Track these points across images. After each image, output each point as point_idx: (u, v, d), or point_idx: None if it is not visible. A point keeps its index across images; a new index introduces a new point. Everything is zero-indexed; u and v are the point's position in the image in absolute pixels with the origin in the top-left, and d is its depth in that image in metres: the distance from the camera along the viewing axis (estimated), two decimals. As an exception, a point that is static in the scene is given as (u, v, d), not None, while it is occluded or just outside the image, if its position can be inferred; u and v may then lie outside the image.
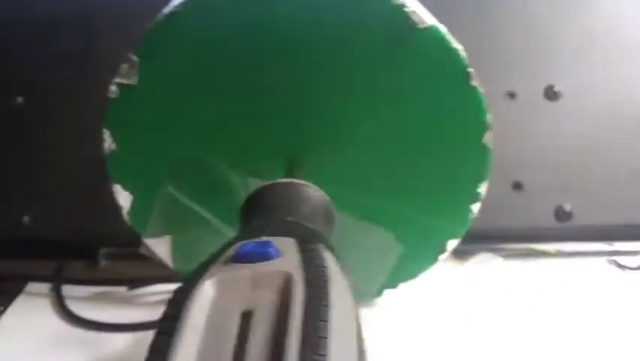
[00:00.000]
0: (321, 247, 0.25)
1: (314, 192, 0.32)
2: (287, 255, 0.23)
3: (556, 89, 0.53)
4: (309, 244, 0.24)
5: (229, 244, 0.25)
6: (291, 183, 0.32)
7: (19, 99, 0.53)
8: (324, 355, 0.18)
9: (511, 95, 0.53)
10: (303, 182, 0.32)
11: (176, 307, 0.20)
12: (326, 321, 0.19)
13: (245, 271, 0.22)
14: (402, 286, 0.43)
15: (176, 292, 0.21)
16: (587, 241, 0.55)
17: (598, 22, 0.55)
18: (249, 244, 0.23)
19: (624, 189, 0.53)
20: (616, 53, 0.54)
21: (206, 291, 0.21)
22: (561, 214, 0.52)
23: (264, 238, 0.24)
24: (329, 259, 0.24)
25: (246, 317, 0.20)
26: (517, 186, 0.53)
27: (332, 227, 0.33)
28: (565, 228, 0.53)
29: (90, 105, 0.50)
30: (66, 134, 0.53)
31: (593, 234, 0.54)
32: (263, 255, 0.22)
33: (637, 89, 0.54)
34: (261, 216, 0.30)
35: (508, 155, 0.52)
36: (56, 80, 0.54)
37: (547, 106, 0.54)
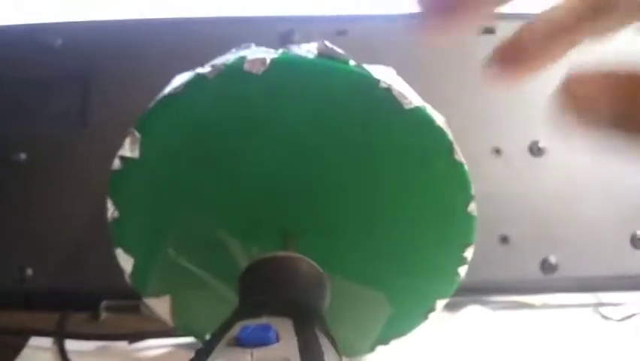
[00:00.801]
0: (316, 329, 0.26)
1: (309, 268, 0.33)
2: (285, 339, 0.24)
3: (540, 145, 0.54)
4: (305, 326, 0.26)
5: (231, 322, 0.26)
6: (288, 257, 0.34)
7: (22, 155, 0.54)
8: None
9: (497, 152, 0.54)
10: (299, 256, 0.34)
11: None
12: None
13: (247, 356, 0.23)
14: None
15: None
16: (573, 292, 0.55)
17: None
18: (250, 327, 0.24)
19: (608, 241, 0.54)
20: None
21: None
22: (547, 267, 0.53)
23: (264, 320, 0.26)
24: (324, 342, 0.25)
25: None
26: (504, 239, 0.53)
27: (325, 297, 0.34)
28: (550, 280, 0.53)
29: (90, 162, 0.52)
30: (68, 190, 0.53)
31: (578, 285, 0.55)
32: (263, 339, 0.24)
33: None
34: (259, 290, 0.31)
35: (495, 209, 0.53)
36: (57, 137, 0.54)
37: (531, 161, 0.55)
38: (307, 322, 0.27)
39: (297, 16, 0.58)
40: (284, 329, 0.25)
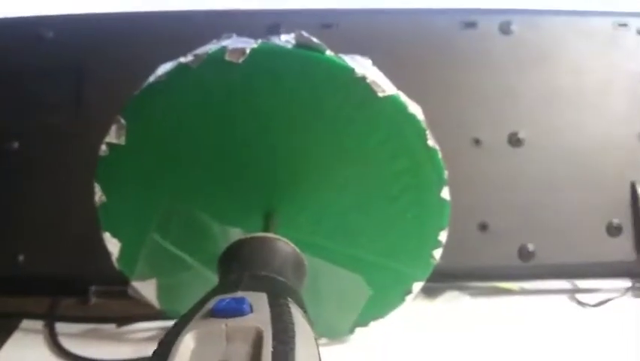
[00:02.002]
0: (289, 301, 0.27)
1: (285, 247, 0.34)
2: (259, 310, 0.25)
3: (519, 136, 0.56)
4: (279, 299, 0.27)
5: (208, 297, 0.27)
6: (265, 237, 0.35)
7: (15, 144, 0.55)
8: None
9: (477, 142, 0.56)
10: (275, 236, 0.35)
11: (161, 358, 0.23)
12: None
13: (221, 325, 0.24)
14: (375, 322, 0.46)
15: (161, 343, 0.24)
16: (549, 278, 0.56)
17: (559, 73, 0.57)
18: (225, 299, 0.25)
19: (584, 229, 0.56)
20: (576, 102, 0.57)
21: (187, 343, 0.23)
22: (524, 254, 0.55)
23: (239, 294, 0.27)
24: (296, 314, 0.26)
25: (222, 367, 0.22)
26: (483, 227, 0.55)
27: (302, 277, 0.35)
28: (528, 266, 0.55)
29: (81, 151, 0.53)
30: (59, 178, 0.54)
31: (555, 272, 0.56)
32: (237, 311, 0.25)
33: (594, 135, 0.57)
34: (237, 268, 0.32)
35: (475, 198, 0.55)
36: (49, 127, 0.56)
37: (510, 152, 0.56)
38: (281, 296, 0.28)
39: (284, 10, 0.59)
40: (258, 302, 0.26)
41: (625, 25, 0.59)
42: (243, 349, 0.23)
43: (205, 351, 0.23)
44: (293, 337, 0.24)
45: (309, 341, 0.26)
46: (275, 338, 0.23)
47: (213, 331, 0.24)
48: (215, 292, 0.28)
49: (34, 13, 0.60)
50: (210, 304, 0.26)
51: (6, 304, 0.52)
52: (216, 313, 0.25)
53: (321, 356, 0.26)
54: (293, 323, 0.25)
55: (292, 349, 0.23)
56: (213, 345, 0.24)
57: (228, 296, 0.26)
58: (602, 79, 0.58)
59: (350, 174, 0.40)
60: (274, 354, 0.22)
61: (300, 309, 0.28)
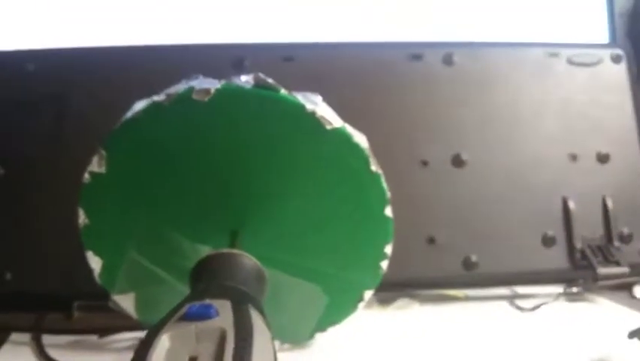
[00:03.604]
0: (250, 307, 0.31)
1: (248, 261, 0.38)
2: (223, 315, 0.30)
3: (462, 157, 0.60)
4: (241, 305, 0.31)
5: (181, 305, 0.31)
6: (230, 253, 0.39)
7: (1, 170, 0.58)
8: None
9: (424, 163, 0.60)
10: (240, 252, 0.39)
11: (141, 355, 0.27)
12: (249, 363, 0.26)
13: (191, 327, 0.28)
14: (333, 330, 0.49)
15: (141, 343, 0.28)
16: (491, 286, 0.61)
17: (499, 98, 0.62)
18: (195, 305, 0.30)
19: (522, 241, 0.60)
20: (512, 125, 0.62)
21: (163, 343, 0.28)
22: (468, 264, 0.59)
23: (207, 301, 0.31)
24: (255, 317, 0.31)
25: (192, 362, 0.26)
26: (431, 240, 0.59)
27: (263, 287, 0.39)
28: (472, 275, 0.59)
29: (62, 176, 0.54)
30: (42, 201, 0.57)
31: (496, 280, 0.60)
32: (205, 315, 0.29)
33: (529, 155, 0.62)
34: (205, 279, 0.36)
35: (423, 214, 0.59)
36: (32, 153, 0.58)
37: (454, 172, 0.60)
38: (243, 303, 0.32)
39: (248, 44, 0.64)
40: (223, 308, 0.30)
41: (556, 54, 0.64)
42: (210, 347, 0.28)
43: (178, 349, 0.28)
44: (251, 336, 0.28)
45: (266, 341, 0.30)
46: (236, 337, 0.28)
47: (185, 332, 0.28)
48: (186, 300, 0.32)
49: (17, 47, 0.63)
50: (182, 310, 0.30)
51: (-5, 319, 0.55)
52: (187, 317, 0.29)
53: (276, 353, 0.30)
54: (252, 325, 0.29)
55: (250, 345, 0.27)
56: (185, 344, 0.28)
57: (198, 303, 0.30)
58: (535, 104, 0.63)
59: (304, 196, 0.44)
60: (235, 350, 0.27)
61: (260, 315, 0.32)
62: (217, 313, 0.30)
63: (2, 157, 0.59)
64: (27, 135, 0.60)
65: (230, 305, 0.31)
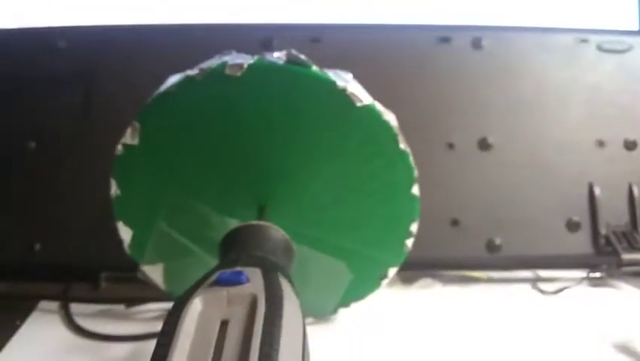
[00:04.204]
0: (279, 275, 0.32)
1: (276, 233, 0.39)
2: (254, 281, 0.30)
3: (488, 141, 0.61)
4: (270, 273, 0.32)
5: (212, 272, 0.32)
6: (259, 225, 0.39)
7: (32, 144, 0.59)
8: (277, 350, 0.25)
9: (450, 146, 0.60)
10: (268, 224, 0.39)
11: (175, 317, 0.27)
12: (280, 327, 0.27)
13: (223, 292, 0.29)
14: (355, 305, 0.49)
15: (175, 305, 0.29)
16: (514, 269, 0.61)
17: (527, 82, 0.62)
18: (227, 272, 0.30)
19: (546, 225, 0.60)
20: (540, 110, 0.62)
21: (195, 306, 0.28)
22: (492, 247, 0.59)
23: (238, 268, 0.31)
24: (285, 285, 0.31)
25: (224, 325, 0.27)
26: (455, 222, 0.59)
27: (291, 259, 0.40)
28: (495, 258, 0.59)
29: (91, 150, 0.57)
30: (72, 175, 0.58)
31: (519, 263, 0.61)
32: (237, 281, 0.30)
33: (556, 141, 0.62)
34: (235, 250, 0.37)
35: (448, 196, 0.59)
36: (63, 127, 0.60)
37: (480, 155, 0.61)
38: (272, 271, 0.32)
39: (276, 25, 0.64)
40: (254, 275, 0.31)
41: (586, 40, 0.64)
42: (241, 311, 0.28)
43: (210, 312, 0.28)
44: (281, 302, 0.29)
45: (295, 308, 0.31)
46: (267, 302, 0.28)
47: (217, 296, 0.29)
48: (218, 267, 0.33)
49: (48, 24, 0.64)
50: (214, 276, 0.31)
51: (24, 288, 0.57)
52: (219, 282, 0.30)
53: (304, 318, 0.31)
54: (282, 291, 0.30)
55: (280, 310, 0.28)
56: (217, 308, 0.28)
57: (229, 270, 0.31)
58: (563, 90, 0.63)
59: (332, 172, 0.44)
60: (266, 314, 0.27)
61: (289, 283, 0.33)
62: (248, 280, 0.30)
63: (34, 131, 0.60)
64: (58, 111, 0.61)
65: (260, 273, 0.31)
